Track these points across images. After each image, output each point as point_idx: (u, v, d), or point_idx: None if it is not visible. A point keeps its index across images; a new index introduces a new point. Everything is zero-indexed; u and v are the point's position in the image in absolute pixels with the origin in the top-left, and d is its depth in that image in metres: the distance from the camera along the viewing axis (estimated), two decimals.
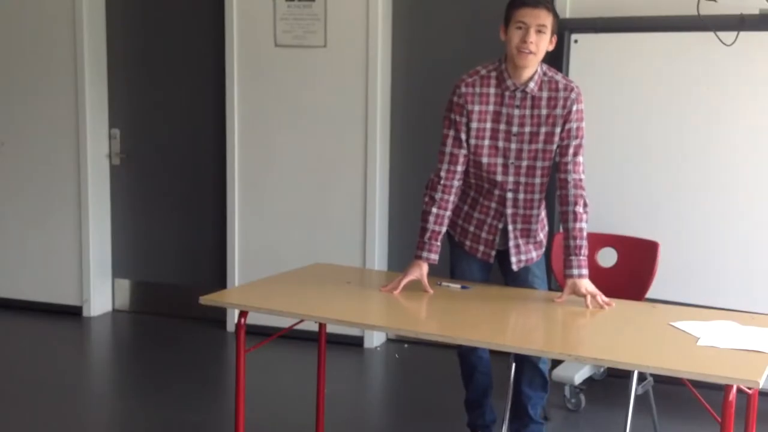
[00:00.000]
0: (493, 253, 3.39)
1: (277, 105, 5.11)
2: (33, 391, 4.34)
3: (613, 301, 3.11)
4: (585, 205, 3.22)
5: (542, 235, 3.41)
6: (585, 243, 3.19)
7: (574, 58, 4.31)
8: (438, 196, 3.30)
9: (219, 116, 5.28)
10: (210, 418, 4.01)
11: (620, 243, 3.71)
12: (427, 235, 3.30)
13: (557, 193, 3.27)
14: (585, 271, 3.15)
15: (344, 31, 4.93)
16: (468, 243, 3.42)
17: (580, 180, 3.23)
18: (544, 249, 3.45)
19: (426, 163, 5.01)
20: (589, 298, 3.09)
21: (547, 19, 3.12)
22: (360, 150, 4.98)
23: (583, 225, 3.20)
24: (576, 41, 4.30)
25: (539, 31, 3.11)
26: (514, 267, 3.37)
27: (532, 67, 3.18)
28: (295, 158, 5.12)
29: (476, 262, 3.44)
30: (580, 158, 3.23)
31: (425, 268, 3.29)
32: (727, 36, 3.96)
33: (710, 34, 3.97)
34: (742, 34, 3.95)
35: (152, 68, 5.55)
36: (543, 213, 3.41)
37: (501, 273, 3.48)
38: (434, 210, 3.30)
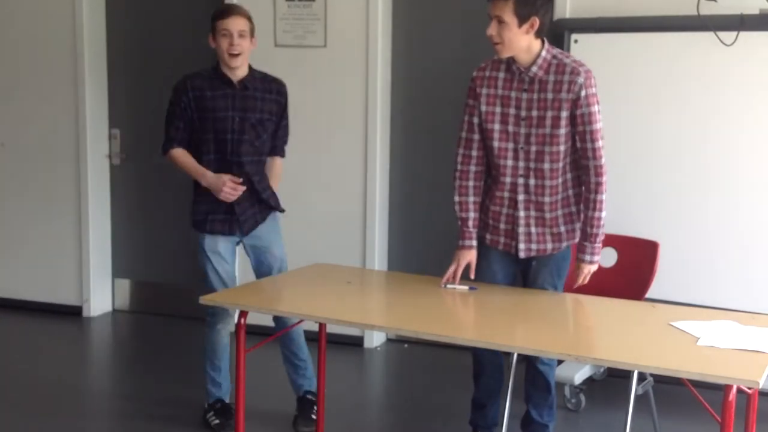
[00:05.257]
0: (515, 243, 3.35)
1: None
2: (33, 391, 4.34)
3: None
4: (605, 192, 3.25)
5: (564, 229, 3.33)
6: (601, 231, 3.26)
7: None
8: (457, 183, 3.39)
9: None
10: None
11: (620, 243, 3.71)
12: (459, 222, 3.40)
13: (583, 178, 3.29)
14: (597, 258, 3.28)
15: (344, 31, 4.92)
16: (489, 236, 3.41)
17: (601, 167, 3.23)
18: (565, 244, 3.35)
19: (426, 163, 5.03)
20: (580, 279, 3.28)
21: (503, 10, 3.11)
22: (360, 150, 4.98)
23: (602, 215, 3.25)
24: (576, 41, 4.30)
25: (500, 22, 3.14)
26: (522, 254, 3.34)
27: (507, 54, 3.20)
28: (295, 158, 5.11)
29: (497, 260, 3.41)
30: (598, 143, 3.21)
31: (473, 253, 3.38)
32: (727, 36, 3.96)
33: (710, 34, 3.97)
34: (742, 34, 3.95)
35: (152, 68, 5.54)
36: (573, 208, 3.33)
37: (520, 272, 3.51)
38: (456, 198, 3.40)
